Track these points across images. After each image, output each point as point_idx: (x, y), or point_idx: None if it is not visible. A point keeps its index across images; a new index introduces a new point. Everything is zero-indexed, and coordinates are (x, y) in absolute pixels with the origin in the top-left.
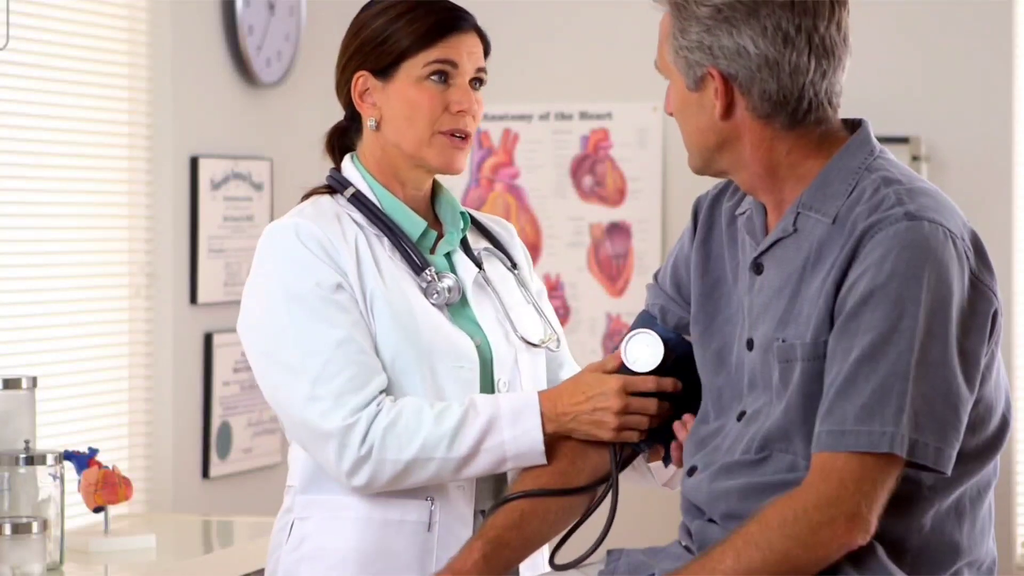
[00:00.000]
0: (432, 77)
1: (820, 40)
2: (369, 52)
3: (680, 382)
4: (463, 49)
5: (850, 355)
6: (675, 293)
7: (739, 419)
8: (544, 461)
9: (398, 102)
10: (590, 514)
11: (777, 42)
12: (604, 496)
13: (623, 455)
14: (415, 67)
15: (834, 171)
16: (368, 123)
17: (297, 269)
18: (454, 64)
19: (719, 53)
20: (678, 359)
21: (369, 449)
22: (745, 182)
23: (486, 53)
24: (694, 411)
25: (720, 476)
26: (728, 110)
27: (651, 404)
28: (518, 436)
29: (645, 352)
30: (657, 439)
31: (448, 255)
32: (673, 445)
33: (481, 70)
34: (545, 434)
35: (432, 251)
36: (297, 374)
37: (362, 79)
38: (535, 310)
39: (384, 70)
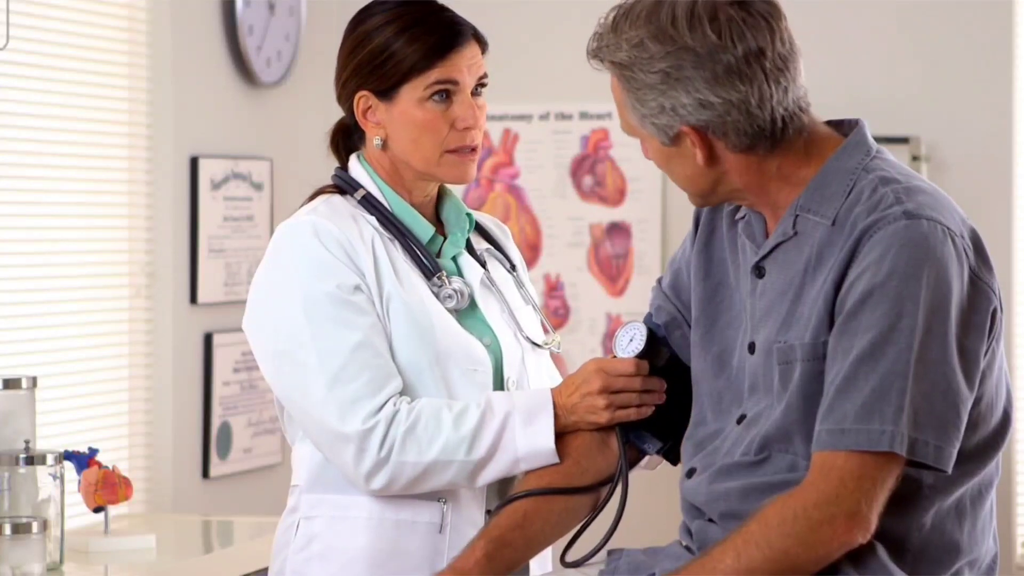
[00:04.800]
0: (435, 97)
1: (772, 62)
2: (369, 73)
3: (657, 364)
4: (463, 64)
5: (850, 354)
6: (674, 297)
7: (739, 422)
8: (555, 460)
9: (403, 123)
10: (599, 512)
11: (734, 83)
12: (614, 490)
13: (629, 455)
14: (417, 89)
15: (831, 173)
16: (374, 142)
17: (316, 270)
18: (455, 82)
19: (684, 111)
20: (671, 355)
21: (388, 452)
22: (746, 201)
23: (484, 51)
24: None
25: (719, 477)
26: (710, 156)
27: (634, 382)
28: (529, 435)
29: (633, 340)
30: (661, 436)
31: (454, 257)
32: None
33: (483, 77)
34: (556, 430)
35: (438, 254)
36: (314, 377)
37: (364, 99)
38: (534, 311)
39: (386, 91)
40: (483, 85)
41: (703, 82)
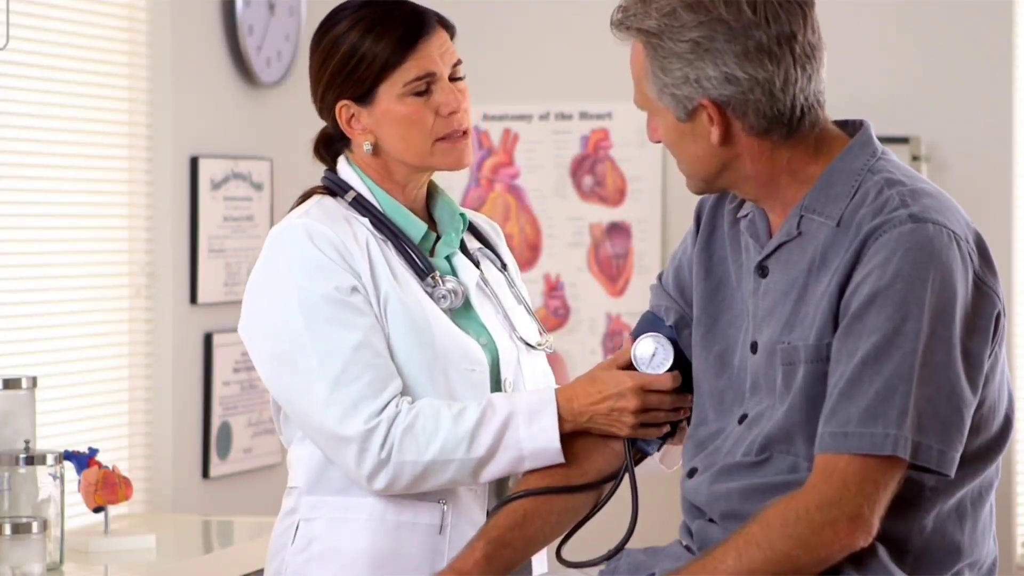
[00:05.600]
0: (414, 91)
1: (801, 48)
2: (344, 80)
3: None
4: (435, 54)
5: (854, 357)
6: (678, 295)
7: (740, 422)
8: (561, 459)
9: (388, 123)
10: (596, 511)
11: (763, 61)
12: (612, 492)
13: (634, 456)
14: (394, 86)
15: (836, 173)
16: (364, 148)
17: (312, 272)
18: (432, 74)
19: (708, 84)
20: (686, 362)
21: (388, 452)
22: (748, 193)
23: (452, 36)
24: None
25: (721, 477)
26: (726, 135)
27: (667, 401)
28: (534, 434)
29: (656, 353)
30: (661, 437)
31: (447, 257)
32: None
33: (457, 63)
34: (562, 432)
35: (431, 253)
36: (314, 379)
37: (345, 108)
38: (526, 311)
39: (364, 95)
40: (459, 75)
41: (733, 56)
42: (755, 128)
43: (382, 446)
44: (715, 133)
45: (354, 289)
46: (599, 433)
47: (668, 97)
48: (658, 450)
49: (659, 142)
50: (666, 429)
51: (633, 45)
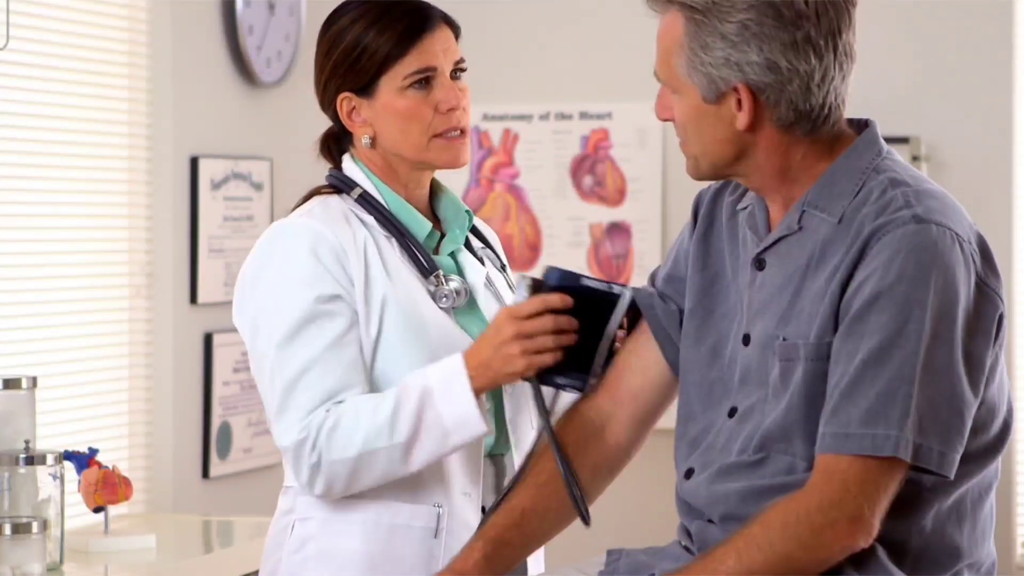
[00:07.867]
0: (414, 84)
1: (843, 47)
2: (346, 71)
3: (568, 297)
4: (437, 49)
5: (855, 357)
6: (664, 285)
7: (730, 415)
8: (483, 426)
9: (387, 116)
10: (576, 492)
11: (808, 54)
12: (539, 441)
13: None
14: (395, 79)
15: (841, 170)
16: (363, 141)
17: (300, 279)
18: (433, 68)
19: (748, 69)
20: (580, 293)
21: (318, 456)
22: (754, 184)
23: (457, 36)
24: (597, 336)
25: (719, 478)
26: (753, 123)
27: (547, 321)
28: (452, 406)
29: (522, 283)
30: (574, 370)
31: (452, 254)
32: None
33: (459, 62)
34: (477, 393)
35: (436, 251)
36: (270, 394)
37: (346, 100)
38: None
39: (365, 87)
40: (462, 70)
41: (779, 44)
42: (782, 120)
43: (312, 451)
44: (742, 119)
45: (335, 297)
46: (506, 380)
47: (700, 75)
48: (582, 388)
49: (667, 120)
50: (559, 356)
51: (670, 16)
